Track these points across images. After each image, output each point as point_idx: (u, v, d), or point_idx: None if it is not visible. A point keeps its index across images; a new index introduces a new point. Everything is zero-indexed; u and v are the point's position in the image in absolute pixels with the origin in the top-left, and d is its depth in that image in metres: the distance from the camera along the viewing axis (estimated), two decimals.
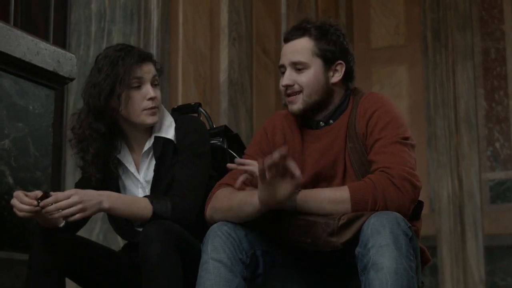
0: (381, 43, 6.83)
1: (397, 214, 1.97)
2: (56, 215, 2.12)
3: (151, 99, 2.34)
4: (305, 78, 2.23)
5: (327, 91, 2.25)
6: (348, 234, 1.97)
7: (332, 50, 2.24)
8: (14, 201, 2.15)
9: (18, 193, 2.15)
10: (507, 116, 6.36)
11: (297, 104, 2.25)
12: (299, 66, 2.24)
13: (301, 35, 2.26)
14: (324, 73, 2.24)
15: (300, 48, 2.25)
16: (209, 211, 2.19)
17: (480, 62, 6.48)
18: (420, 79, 6.62)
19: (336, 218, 1.99)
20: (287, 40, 2.29)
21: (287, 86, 2.25)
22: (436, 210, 6.27)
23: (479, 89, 6.45)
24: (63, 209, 2.11)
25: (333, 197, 2.05)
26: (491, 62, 6.47)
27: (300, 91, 2.24)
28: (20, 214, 2.14)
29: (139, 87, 2.35)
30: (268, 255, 2.13)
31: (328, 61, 2.25)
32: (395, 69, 6.72)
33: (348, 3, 6.88)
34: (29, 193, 2.14)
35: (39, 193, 2.13)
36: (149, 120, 2.35)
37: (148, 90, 2.34)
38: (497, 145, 6.36)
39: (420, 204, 2.14)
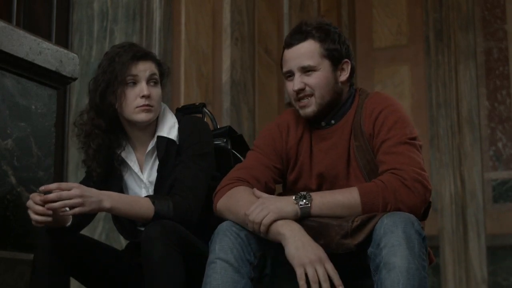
0: (383, 43, 6.82)
1: (410, 214, 1.97)
2: (56, 204, 2.11)
3: (144, 96, 2.33)
4: (315, 80, 2.23)
5: (337, 90, 2.26)
6: (361, 236, 1.97)
7: (338, 49, 2.26)
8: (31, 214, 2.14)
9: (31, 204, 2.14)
10: (510, 116, 6.35)
11: (311, 107, 2.25)
12: (309, 70, 2.24)
13: (304, 38, 2.25)
14: (332, 73, 2.25)
15: (307, 52, 2.24)
16: (220, 206, 2.17)
17: (482, 62, 6.47)
18: (423, 79, 6.61)
19: (350, 221, 1.98)
20: (290, 45, 2.27)
21: (299, 91, 2.24)
22: (438, 210, 6.26)
23: (482, 88, 6.44)
24: (63, 199, 2.11)
25: (346, 202, 2.03)
26: (493, 62, 6.46)
27: (312, 94, 2.24)
28: (39, 225, 2.15)
29: (134, 84, 2.35)
30: (277, 256, 2.10)
31: (335, 61, 2.26)
32: (397, 69, 6.71)
33: (350, 3, 6.87)
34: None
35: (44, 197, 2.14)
36: (141, 117, 2.34)
37: (142, 88, 2.34)
38: (500, 144, 6.36)
39: (429, 205, 2.13)
